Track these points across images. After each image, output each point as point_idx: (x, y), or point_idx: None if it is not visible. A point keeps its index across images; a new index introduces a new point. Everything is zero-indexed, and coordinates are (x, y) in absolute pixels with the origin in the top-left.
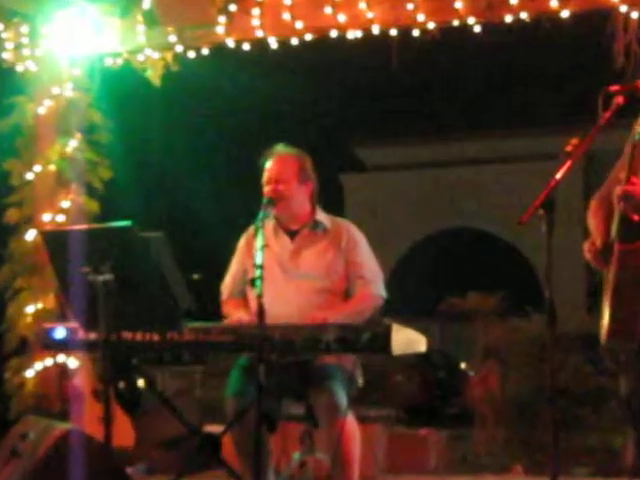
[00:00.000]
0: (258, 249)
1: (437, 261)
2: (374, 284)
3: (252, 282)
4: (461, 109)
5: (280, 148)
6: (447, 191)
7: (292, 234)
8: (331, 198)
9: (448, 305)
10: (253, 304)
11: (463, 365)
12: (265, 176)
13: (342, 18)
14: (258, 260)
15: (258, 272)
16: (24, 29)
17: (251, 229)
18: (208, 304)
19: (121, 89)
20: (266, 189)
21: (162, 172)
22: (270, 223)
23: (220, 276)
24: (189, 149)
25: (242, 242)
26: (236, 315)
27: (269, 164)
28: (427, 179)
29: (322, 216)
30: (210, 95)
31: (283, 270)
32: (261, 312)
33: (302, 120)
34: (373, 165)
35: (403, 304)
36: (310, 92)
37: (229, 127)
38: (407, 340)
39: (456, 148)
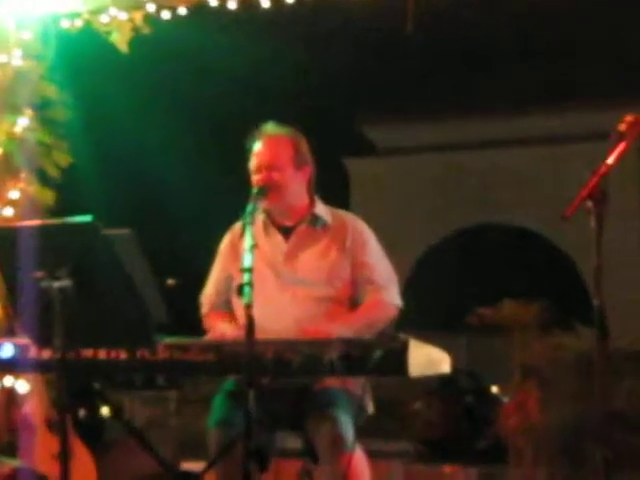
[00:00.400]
0: (247, 250)
1: (463, 264)
2: (387, 290)
3: (239, 289)
4: (493, 80)
5: (270, 128)
6: (475, 179)
7: (286, 231)
8: (333, 188)
9: (477, 317)
10: (240, 316)
11: (495, 389)
12: (254, 162)
13: None
14: (247, 262)
15: (247, 277)
16: None
17: (237, 226)
18: (186, 315)
19: (81, 57)
20: (256, 177)
21: (130, 157)
22: (259, 218)
23: (200, 281)
24: (163, 129)
25: (226, 242)
26: (219, 328)
27: (258, 147)
28: (451, 165)
29: (322, 209)
30: (188, 64)
31: (276, 275)
32: (250, 325)
33: (298, 93)
34: (385, 147)
35: (422, 315)
36: (308, 60)
37: (211, 103)
38: (427, 359)
39: (486, 127)
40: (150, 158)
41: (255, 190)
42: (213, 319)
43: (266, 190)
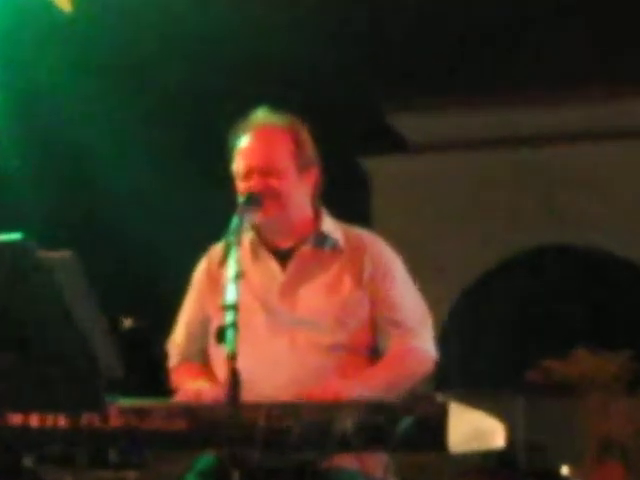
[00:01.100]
0: (230, 279)
1: (522, 300)
2: (418, 335)
3: (219, 334)
4: (560, 54)
5: (262, 116)
6: (541, 184)
7: (283, 256)
8: (344, 197)
9: (541, 371)
10: (222, 371)
11: (565, 469)
12: (241, 165)
13: None
14: (230, 297)
15: (230, 317)
16: None
17: (216, 250)
18: (149, 368)
19: (7, 18)
20: (245, 185)
21: (74, 152)
22: (246, 238)
23: (168, 320)
24: (118, 115)
25: (201, 271)
26: (192, 386)
27: (246, 144)
28: (509, 165)
29: (331, 225)
30: (153, 30)
31: (268, 314)
32: (235, 382)
33: (302, 72)
34: (419, 142)
35: (466, 370)
36: (311, 22)
37: (183, 81)
38: (473, 429)
39: (552, 115)
40: (100, 155)
41: (243, 198)
42: (183, 375)
43: (259, 199)
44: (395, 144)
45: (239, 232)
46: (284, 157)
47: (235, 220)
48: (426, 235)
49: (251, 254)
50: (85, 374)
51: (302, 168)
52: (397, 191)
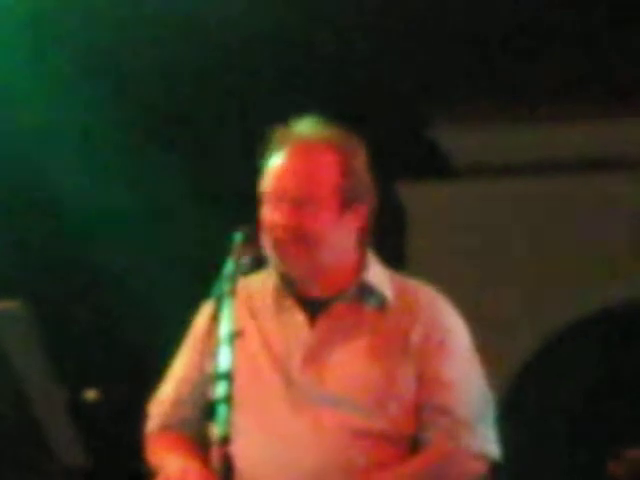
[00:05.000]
0: (222, 340)
1: (597, 372)
2: (471, 431)
3: (209, 411)
4: None
5: (304, 129)
6: (625, 220)
7: (314, 307)
8: (378, 229)
9: (624, 463)
10: (215, 456)
11: None
12: (270, 185)
13: None
14: (223, 363)
15: (222, 389)
16: None
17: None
18: (119, 452)
19: None
20: (271, 213)
21: (25, 168)
22: (269, 284)
23: (147, 392)
24: (86, 124)
25: (203, 321)
26: (171, 466)
27: (281, 160)
28: (582, 195)
29: (379, 275)
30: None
31: (287, 385)
32: (228, 474)
33: (334, 77)
34: (468, 165)
35: (528, 462)
36: (351, 25)
37: (167, 84)
38: None
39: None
40: (62, 172)
41: (238, 236)
42: (161, 446)
43: (282, 247)
44: (438, 167)
45: (234, 279)
46: (325, 187)
47: (229, 264)
48: (476, 286)
49: (273, 305)
50: (36, 462)
51: (347, 203)
52: (440, 225)
